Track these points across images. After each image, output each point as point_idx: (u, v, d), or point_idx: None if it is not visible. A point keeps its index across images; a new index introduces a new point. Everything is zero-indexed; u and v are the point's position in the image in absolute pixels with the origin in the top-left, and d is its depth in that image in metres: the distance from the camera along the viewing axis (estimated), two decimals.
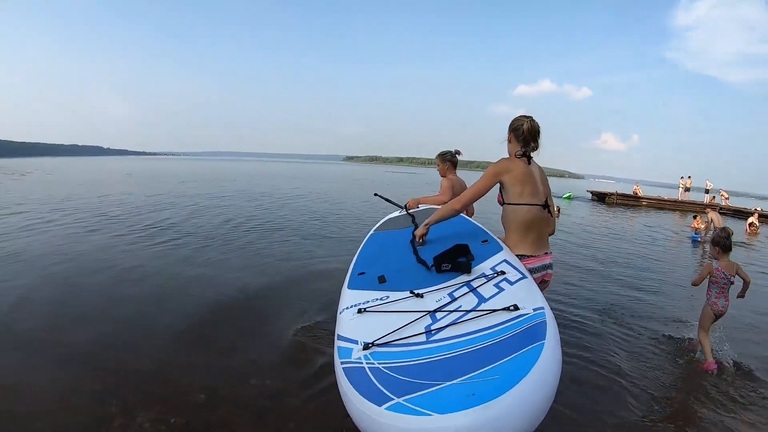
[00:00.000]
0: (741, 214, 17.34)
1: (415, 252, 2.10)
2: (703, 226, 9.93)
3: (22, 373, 2.52)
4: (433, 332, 1.32)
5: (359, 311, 1.55)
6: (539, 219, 2.02)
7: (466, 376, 1.08)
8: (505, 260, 1.80)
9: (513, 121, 2.13)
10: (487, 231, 2.25)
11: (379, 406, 1.04)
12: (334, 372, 1.31)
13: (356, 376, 1.17)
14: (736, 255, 7.86)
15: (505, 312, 1.37)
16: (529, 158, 2.07)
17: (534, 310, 1.37)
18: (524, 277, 1.66)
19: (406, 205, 3.20)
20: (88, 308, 3.52)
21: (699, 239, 9.51)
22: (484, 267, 1.77)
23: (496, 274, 1.67)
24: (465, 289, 1.60)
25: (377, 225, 3.04)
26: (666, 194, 24.68)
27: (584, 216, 13.33)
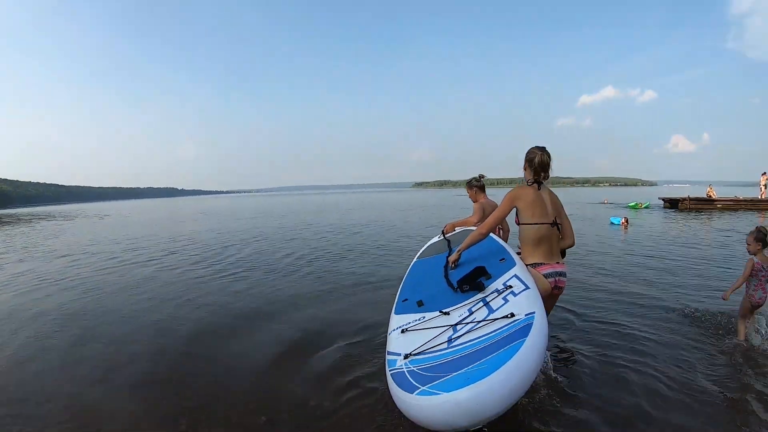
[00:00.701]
0: None
1: (446, 276, 2.58)
2: None
3: (103, 396, 2.76)
4: (453, 341, 1.79)
5: (402, 331, 2.01)
6: (548, 235, 2.40)
7: (467, 367, 1.55)
8: (515, 275, 2.21)
9: (528, 152, 2.47)
10: (507, 248, 2.64)
11: (411, 393, 1.53)
12: (381, 383, 1.71)
13: (398, 377, 1.67)
14: None
15: (504, 319, 1.82)
16: (540, 184, 2.44)
17: (525, 315, 1.80)
18: (527, 288, 2.06)
19: (443, 231, 3.64)
20: (159, 336, 3.83)
21: None
22: (498, 283, 2.20)
23: (505, 288, 2.10)
24: (480, 304, 2.04)
25: (420, 251, 3.58)
26: (744, 193, 22.53)
27: (653, 225, 12.41)
